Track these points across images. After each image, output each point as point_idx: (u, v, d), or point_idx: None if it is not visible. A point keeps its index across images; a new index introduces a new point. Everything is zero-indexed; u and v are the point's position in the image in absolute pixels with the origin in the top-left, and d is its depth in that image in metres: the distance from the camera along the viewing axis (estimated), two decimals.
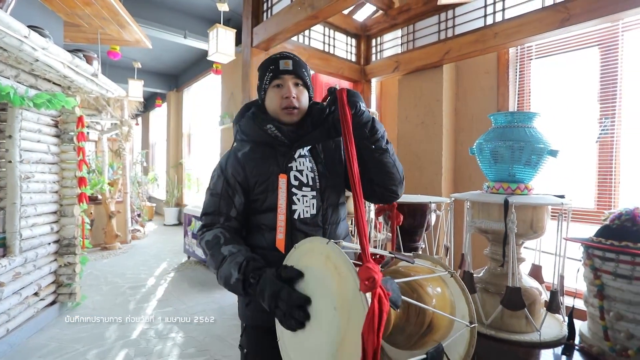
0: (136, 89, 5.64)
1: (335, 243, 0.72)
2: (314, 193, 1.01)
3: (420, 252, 1.02)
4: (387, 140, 0.98)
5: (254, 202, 1.02)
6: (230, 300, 3.33)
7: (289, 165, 1.00)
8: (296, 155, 1.01)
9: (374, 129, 0.92)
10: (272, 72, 1.01)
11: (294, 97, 1.00)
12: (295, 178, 1.00)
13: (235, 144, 1.09)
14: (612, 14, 1.68)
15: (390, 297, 0.63)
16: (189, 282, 3.86)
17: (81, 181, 3.02)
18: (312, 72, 1.09)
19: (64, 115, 2.93)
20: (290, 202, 0.97)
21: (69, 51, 2.52)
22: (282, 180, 0.97)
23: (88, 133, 7.24)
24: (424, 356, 0.72)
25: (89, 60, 2.81)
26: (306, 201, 1.00)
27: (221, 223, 0.99)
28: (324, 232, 1.02)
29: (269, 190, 0.99)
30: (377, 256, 0.92)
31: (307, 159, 1.03)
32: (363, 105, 0.87)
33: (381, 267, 0.88)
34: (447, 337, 0.84)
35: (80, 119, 2.95)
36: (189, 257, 4.77)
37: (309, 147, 1.05)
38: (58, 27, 2.90)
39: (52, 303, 2.89)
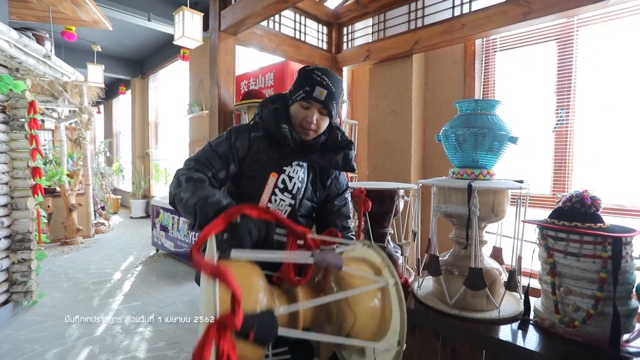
0: (96, 74, 5.29)
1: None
2: (292, 201, 1.08)
3: (374, 243, 0.88)
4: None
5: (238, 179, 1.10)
6: None
7: (284, 167, 1.07)
8: (294, 162, 1.08)
9: None
10: (305, 93, 1.04)
11: (313, 124, 1.06)
12: (283, 182, 1.06)
13: (252, 123, 1.14)
14: (568, 9, 1.77)
15: (255, 336, 0.55)
16: (157, 276, 3.74)
17: (35, 172, 2.81)
18: (342, 95, 1.16)
19: (13, 100, 2.69)
20: (268, 200, 1.05)
21: (16, 29, 2.31)
22: (272, 178, 1.05)
23: (43, 121, 6.75)
24: None
25: (40, 41, 2.60)
26: (281, 206, 1.07)
27: (208, 176, 1.01)
28: None
29: (256, 177, 1.06)
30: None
31: (303, 170, 1.10)
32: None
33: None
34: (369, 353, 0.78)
35: (31, 104, 2.73)
36: (157, 250, 4.62)
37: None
38: (1, 2, 2.64)
39: (5, 302, 2.70)
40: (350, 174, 2.87)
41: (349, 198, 1.25)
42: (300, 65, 3.13)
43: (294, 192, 1.07)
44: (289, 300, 0.73)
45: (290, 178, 1.07)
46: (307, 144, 1.09)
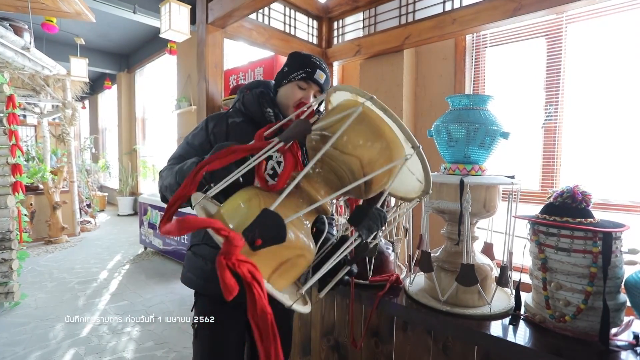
0: (80, 67, 5.14)
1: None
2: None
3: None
4: None
5: None
6: (190, 290, 3.21)
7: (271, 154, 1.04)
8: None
9: None
10: (306, 73, 1.03)
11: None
12: (272, 168, 1.04)
13: (231, 109, 1.11)
14: (558, 5, 1.77)
15: (262, 241, 0.52)
16: (146, 274, 3.67)
17: (15, 169, 2.72)
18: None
19: None
20: None
21: None
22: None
23: (25, 116, 6.54)
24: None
25: (18, 32, 2.49)
26: None
27: None
28: None
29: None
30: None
31: None
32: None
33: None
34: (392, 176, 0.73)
35: (10, 98, 2.62)
36: (145, 248, 4.53)
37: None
38: None
39: None
40: None
41: None
42: None
43: None
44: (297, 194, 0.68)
45: (279, 163, 1.05)
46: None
